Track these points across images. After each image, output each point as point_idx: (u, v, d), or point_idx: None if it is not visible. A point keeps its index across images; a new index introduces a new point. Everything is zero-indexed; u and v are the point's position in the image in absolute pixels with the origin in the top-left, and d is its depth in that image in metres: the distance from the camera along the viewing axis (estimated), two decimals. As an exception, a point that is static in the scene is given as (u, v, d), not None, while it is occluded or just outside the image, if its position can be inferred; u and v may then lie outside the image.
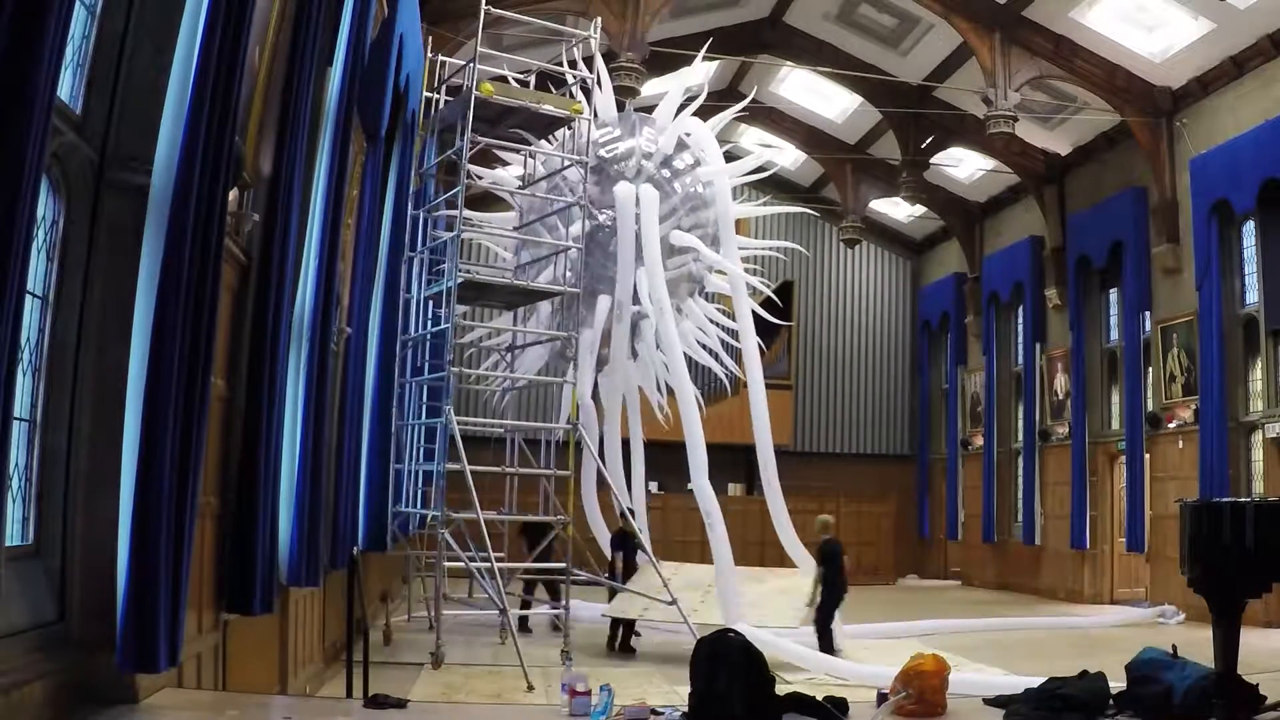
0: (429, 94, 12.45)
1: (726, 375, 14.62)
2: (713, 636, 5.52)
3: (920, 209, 23.55)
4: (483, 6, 11.88)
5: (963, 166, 21.53)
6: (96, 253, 4.58)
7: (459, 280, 11.26)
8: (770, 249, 14.92)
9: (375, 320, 10.08)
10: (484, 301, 13.51)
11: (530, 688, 8.74)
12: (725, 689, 4.94)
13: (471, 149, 11.94)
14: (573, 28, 15.27)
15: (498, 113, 12.01)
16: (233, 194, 5.25)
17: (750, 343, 12.83)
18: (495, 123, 12.30)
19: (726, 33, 19.21)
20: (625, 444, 13.39)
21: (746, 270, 14.08)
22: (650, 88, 17.63)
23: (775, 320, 14.72)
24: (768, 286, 14.63)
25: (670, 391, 13.55)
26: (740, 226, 15.22)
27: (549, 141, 13.18)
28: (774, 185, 25.46)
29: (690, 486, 12.31)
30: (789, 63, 20.06)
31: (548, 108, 11.96)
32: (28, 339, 4.20)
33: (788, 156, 24.36)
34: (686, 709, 5.12)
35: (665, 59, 17.16)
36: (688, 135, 13.50)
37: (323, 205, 6.96)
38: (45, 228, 4.34)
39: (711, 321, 14.18)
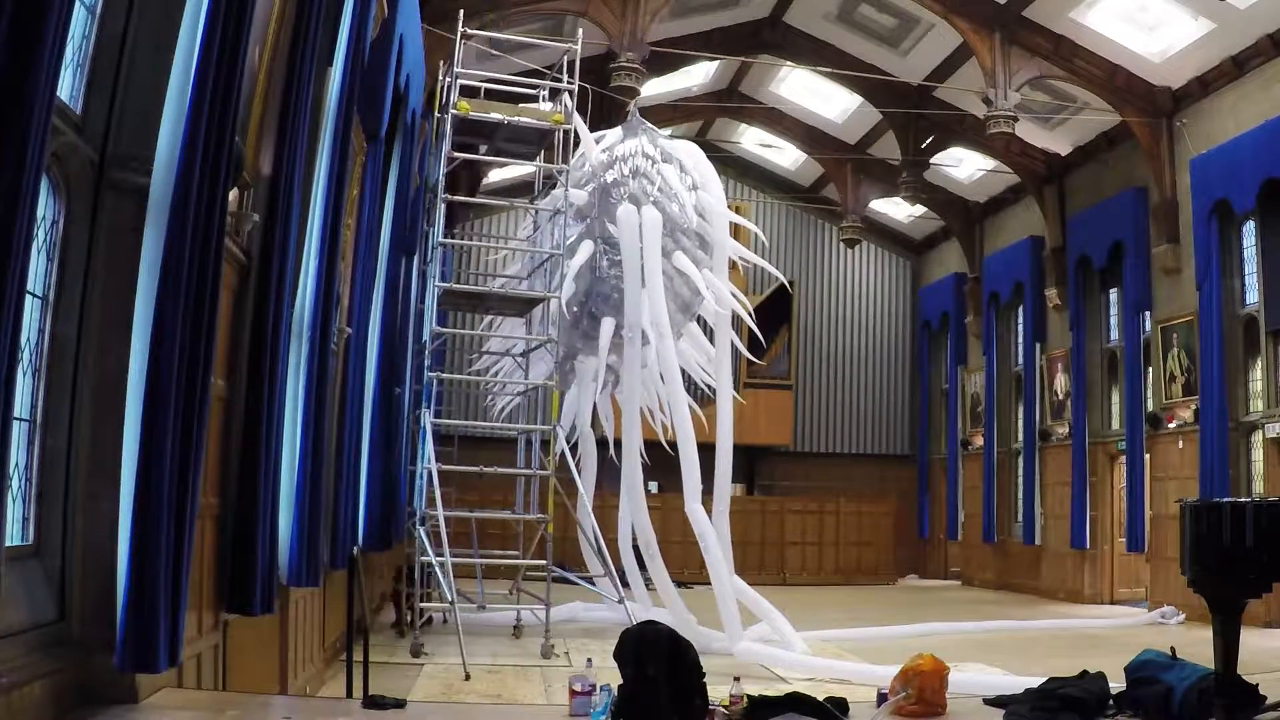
0: (439, 115, 12.71)
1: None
2: (640, 626, 5.65)
3: (920, 209, 23.55)
4: (459, 31, 12.08)
5: (963, 166, 21.53)
6: (96, 253, 4.57)
7: (440, 290, 12.48)
8: (762, 264, 14.92)
9: (375, 320, 10.09)
10: (483, 309, 13.99)
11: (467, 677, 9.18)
12: (654, 676, 5.10)
13: (455, 164, 12.55)
14: (572, 30, 15.30)
15: (491, 128, 12.30)
16: (233, 194, 5.25)
17: (726, 379, 12.82)
18: (491, 137, 12.61)
19: (726, 33, 19.23)
20: (618, 444, 13.39)
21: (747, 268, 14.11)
22: (650, 88, 17.65)
23: (755, 349, 14.86)
24: (744, 312, 14.57)
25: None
26: (739, 229, 15.20)
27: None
28: (774, 185, 25.54)
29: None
30: (789, 63, 20.06)
31: (526, 120, 12.29)
32: (28, 339, 4.19)
33: (788, 156, 24.38)
34: (617, 694, 5.24)
35: (665, 59, 17.18)
36: (691, 164, 13.48)
37: (323, 205, 6.96)
38: (45, 228, 4.34)
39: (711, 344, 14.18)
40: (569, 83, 12.49)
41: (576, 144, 13.16)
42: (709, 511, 12.10)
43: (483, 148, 13.70)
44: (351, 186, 8.45)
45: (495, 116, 12.22)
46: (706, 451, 12.36)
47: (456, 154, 12.46)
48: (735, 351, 13.96)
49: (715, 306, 12.68)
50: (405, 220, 11.37)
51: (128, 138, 4.64)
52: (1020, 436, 21.06)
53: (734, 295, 13.14)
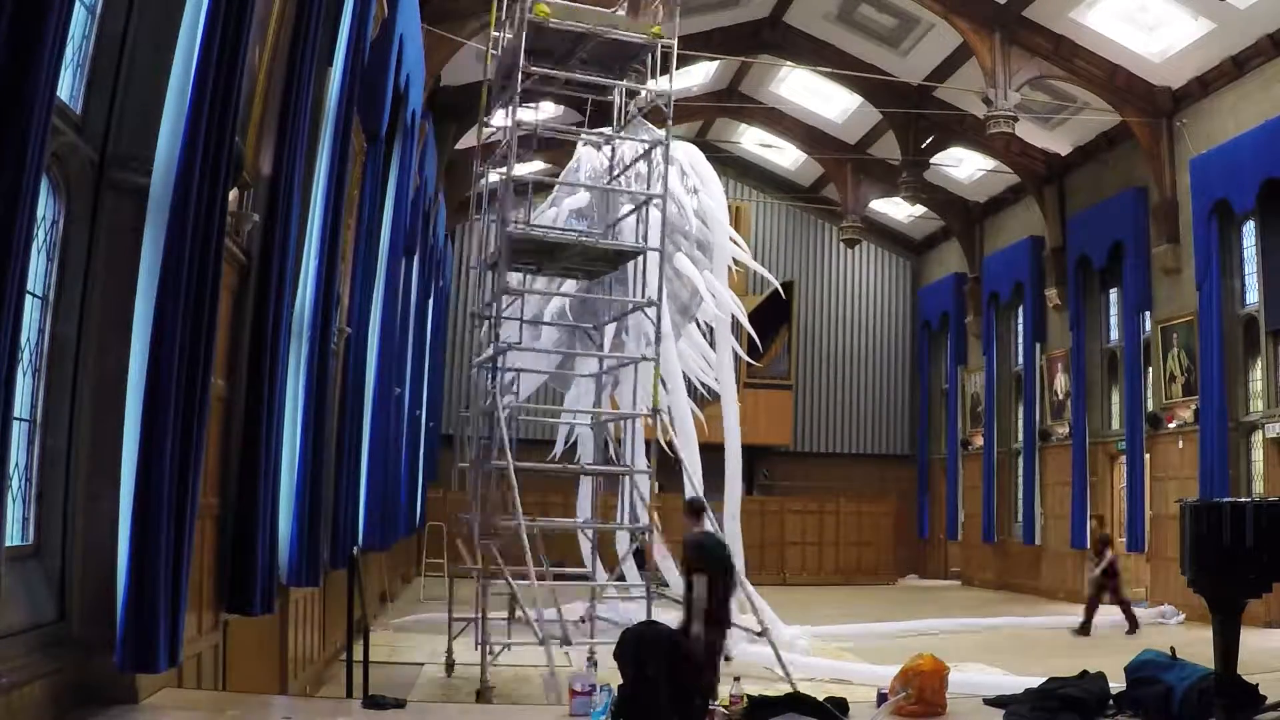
0: (495, 34, 10.68)
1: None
2: (640, 626, 5.65)
3: (920, 209, 23.56)
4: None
5: (963, 166, 21.53)
6: (96, 253, 4.58)
7: (510, 239, 9.09)
8: (760, 270, 14.84)
9: (375, 320, 10.08)
10: (550, 269, 10.83)
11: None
12: (654, 675, 5.11)
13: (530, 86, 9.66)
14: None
15: (565, 48, 9.84)
16: (233, 194, 5.25)
17: (729, 378, 12.73)
18: (562, 59, 10.15)
19: (726, 33, 19.23)
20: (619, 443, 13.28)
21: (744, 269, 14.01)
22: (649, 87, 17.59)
23: (750, 352, 14.60)
24: (756, 293, 14.48)
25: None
26: (739, 229, 15.19)
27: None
28: (774, 185, 25.54)
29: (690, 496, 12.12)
30: (789, 63, 20.06)
31: (620, 32, 9.82)
32: (28, 339, 4.19)
33: (788, 156, 24.38)
34: (617, 694, 5.23)
35: (665, 59, 17.15)
36: (691, 167, 13.34)
37: (323, 205, 6.97)
38: (45, 228, 4.34)
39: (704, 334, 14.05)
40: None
41: (667, 67, 10.79)
42: (717, 515, 12.02)
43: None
44: (351, 186, 8.45)
45: (584, 25, 9.63)
46: (706, 452, 12.33)
47: (532, 72, 9.59)
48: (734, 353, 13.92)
49: (715, 310, 12.59)
50: (405, 220, 11.33)
51: (128, 138, 4.64)
52: (1020, 436, 21.06)
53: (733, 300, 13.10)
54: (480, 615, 9.13)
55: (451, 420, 22.30)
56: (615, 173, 11.55)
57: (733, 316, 13.10)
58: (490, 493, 9.51)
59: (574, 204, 12.63)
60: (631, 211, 11.21)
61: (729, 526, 12.00)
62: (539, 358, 12.25)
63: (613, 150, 11.80)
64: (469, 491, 9.88)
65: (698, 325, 13.85)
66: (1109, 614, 15.10)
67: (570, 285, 12.63)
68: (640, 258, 11.24)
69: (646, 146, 12.04)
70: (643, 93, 10.73)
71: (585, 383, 13.65)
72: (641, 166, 11.84)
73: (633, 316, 11.92)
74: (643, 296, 11.60)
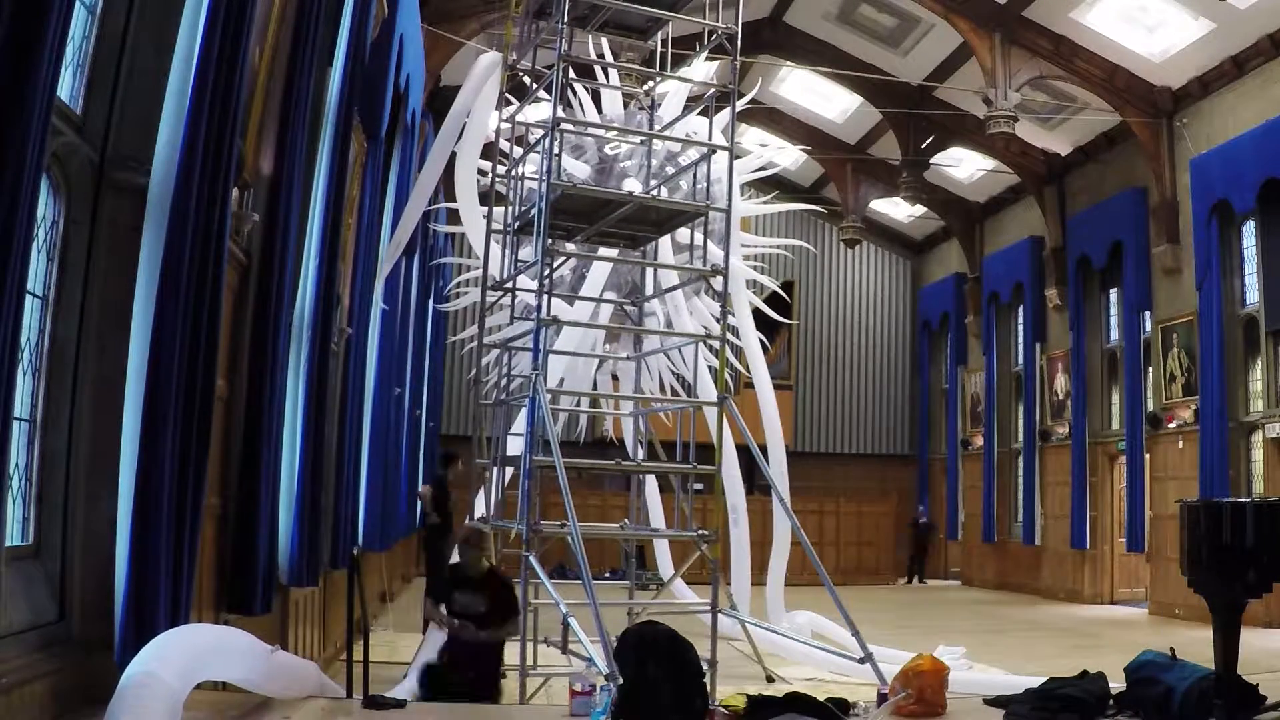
0: None
1: (730, 373, 14.39)
2: (640, 626, 5.61)
3: (920, 209, 23.56)
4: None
5: (963, 166, 21.54)
6: (96, 253, 4.57)
7: (558, 193, 7.77)
8: (775, 247, 14.79)
9: (375, 320, 10.08)
10: (585, 234, 9.04)
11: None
12: (655, 676, 5.05)
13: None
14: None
15: (587, 5, 8.81)
16: (233, 194, 5.25)
17: (752, 340, 12.68)
18: (585, 20, 9.28)
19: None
20: (614, 444, 13.18)
21: (751, 268, 13.92)
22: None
23: (778, 318, 14.48)
24: (773, 282, 14.39)
25: (674, 391, 13.45)
26: (743, 225, 15.14)
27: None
28: (774, 185, 25.46)
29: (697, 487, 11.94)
30: (789, 63, 20.05)
31: None
32: (28, 339, 4.19)
33: (788, 156, 24.35)
34: (617, 694, 5.19)
35: (665, 59, 17.14)
36: (694, 133, 13.22)
37: (323, 205, 6.97)
38: (45, 228, 4.34)
39: (716, 319, 13.92)
40: None
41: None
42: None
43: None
44: (351, 186, 8.45)
45: None
46: (705, 451, 12.25)
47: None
48: (738, 350, 13.83)
49: (716, 287, 12.34)
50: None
51: (128, 138, 4.64)
52: (1020, 436, 21.06)
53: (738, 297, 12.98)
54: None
55: (452, 420, 22.32)
56: (659, 128, 10.47)
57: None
58: (513, 494, 8.44)
59: (578, 172, 11.58)
60: (691, 166, 10.32)
61: (780, 554, 11.88)
62: (569, 336, 10.43)
63: (653, 103, 10.73)
64: (476, 492, 9.02)
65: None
66: (1107, 609, 15.16)
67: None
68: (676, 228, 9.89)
69: (699, 90, 10.63)
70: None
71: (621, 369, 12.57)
72: (689, 124, 11.18)
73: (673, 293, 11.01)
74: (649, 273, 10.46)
